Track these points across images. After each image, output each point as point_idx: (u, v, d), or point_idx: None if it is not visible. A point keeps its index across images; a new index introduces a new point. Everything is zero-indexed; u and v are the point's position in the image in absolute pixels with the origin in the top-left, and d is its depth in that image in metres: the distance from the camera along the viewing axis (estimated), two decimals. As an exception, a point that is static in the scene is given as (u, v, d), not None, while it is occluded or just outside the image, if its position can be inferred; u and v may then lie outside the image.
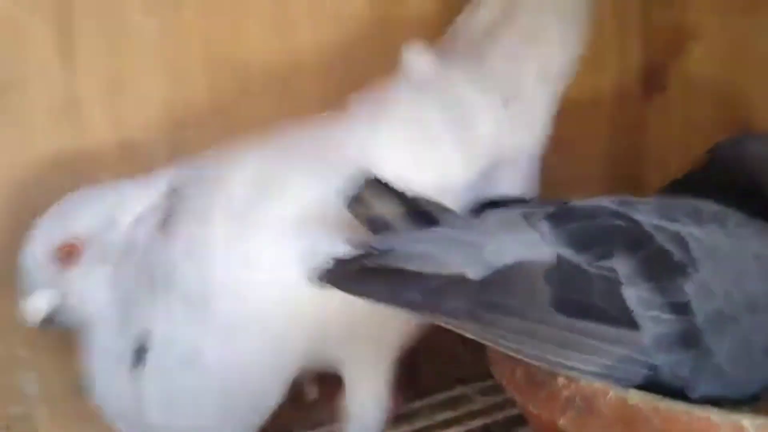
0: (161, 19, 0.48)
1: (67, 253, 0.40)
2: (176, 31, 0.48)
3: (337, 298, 0.36)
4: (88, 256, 0.41)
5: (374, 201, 0.38)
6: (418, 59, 0.46)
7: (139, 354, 0.40)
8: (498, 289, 0.35)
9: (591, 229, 0.38)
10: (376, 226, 0.39)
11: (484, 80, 0.46)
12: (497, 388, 0.55)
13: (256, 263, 0.40)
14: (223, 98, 0.50)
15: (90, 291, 0.41)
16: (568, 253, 0.37)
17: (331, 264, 0.36)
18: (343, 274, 0.36)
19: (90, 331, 0.41)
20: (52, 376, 0.47)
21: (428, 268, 0.35)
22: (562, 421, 0.37)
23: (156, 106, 0.48)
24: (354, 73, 0.52)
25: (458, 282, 0.35)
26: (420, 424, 0.53)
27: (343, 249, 0.36)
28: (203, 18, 0.49)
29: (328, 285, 0.36)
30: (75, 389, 0.46)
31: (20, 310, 0.40)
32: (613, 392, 0.35)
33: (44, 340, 0.46)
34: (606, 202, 0.40)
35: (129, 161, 0.47)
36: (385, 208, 0.39)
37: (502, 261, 0.36)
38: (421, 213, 0.39)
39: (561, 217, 0.38)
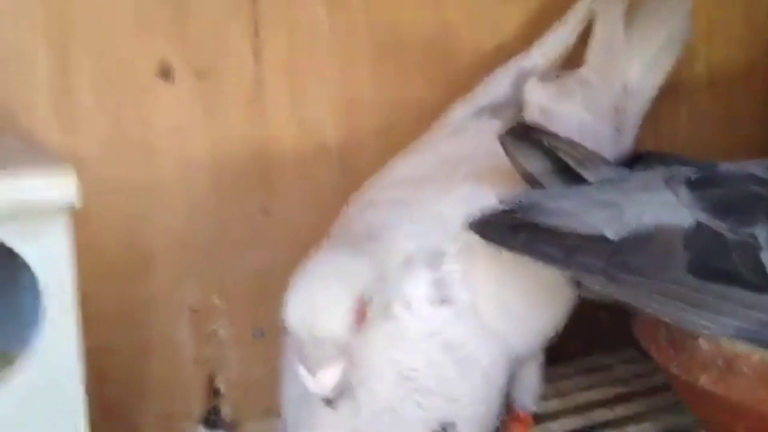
0: (330, 8, 0.53)
1: (359, 316, 0.37)
2: (343, 19, 0.53)
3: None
4: (373, 314, 0.38)
5: (524, 155, 0.41)
6: (538, 92, 0.49)
7: None
8: (634, 250, 0.37)
9: (730, 196, 0.38)
10: (528, 180, 0.41)
11: (598, 109, 0.49)
12: (638, 357, 0.56)
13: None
14: (385, 79, 0.54)
15: (377, 351, 0.39)
16: (706, 218, 0.37)
17: (481, 217, 0.39)
18: (492, 227, 0.39)
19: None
20: (240, 323, 0.52)
21: (569, 225, 0.37)
22: (702, 381, 0.38)
23: (328, 89, 0.53)
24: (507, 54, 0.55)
25: (596, 241, 0.37)
26: (563, 387, 0.55)
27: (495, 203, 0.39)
28: (366, 5, 0.54)
29: (479, 235, 0.39)
30: (257, 334, 0.52)
31: (310, 383, 0.37)
32: (758, 354, 0.36)
33: (234, 291, 0.52)
34: (753, 167, 0.40)
35: (305, 138, 0.53)
36: (534, 162, 0.41)
37: (641, 223, 0.37)
38: (568, 168, 0.41)
39: (701, 182, 0.39)
